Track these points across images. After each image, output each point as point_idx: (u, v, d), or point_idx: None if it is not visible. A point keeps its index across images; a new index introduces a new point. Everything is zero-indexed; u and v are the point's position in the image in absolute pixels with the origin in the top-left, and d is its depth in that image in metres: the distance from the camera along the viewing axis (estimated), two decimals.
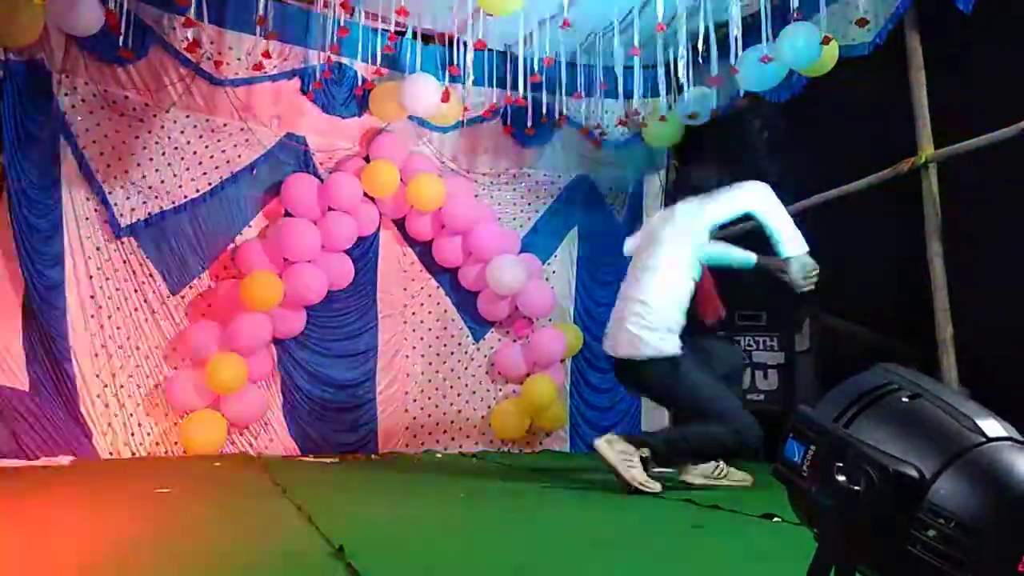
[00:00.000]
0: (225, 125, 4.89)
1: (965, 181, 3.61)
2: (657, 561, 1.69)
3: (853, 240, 4.34)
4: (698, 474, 3.20)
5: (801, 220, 4.70)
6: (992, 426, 0.89)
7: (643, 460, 2.97)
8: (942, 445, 0.87)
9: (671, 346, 3.04)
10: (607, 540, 1.95)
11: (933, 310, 3.60)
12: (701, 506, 2.45)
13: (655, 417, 5.74)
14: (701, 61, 4.26)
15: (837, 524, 0.90)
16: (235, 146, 4.91)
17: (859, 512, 0.87)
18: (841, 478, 0.88)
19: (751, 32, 4.22)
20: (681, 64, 4.52)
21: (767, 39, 4.07)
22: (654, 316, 3.06)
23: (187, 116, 4.80)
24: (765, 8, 4.11)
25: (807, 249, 3.07)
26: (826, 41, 3.93)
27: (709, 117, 4.94)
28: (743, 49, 4.13)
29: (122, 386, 4.46)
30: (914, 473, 0.85)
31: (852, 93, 4.14)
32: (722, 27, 4.32)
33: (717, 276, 3.48)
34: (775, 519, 2.09)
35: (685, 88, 4.74)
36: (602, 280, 5.73)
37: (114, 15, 4.15)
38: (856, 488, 0.87)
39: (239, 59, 4.86)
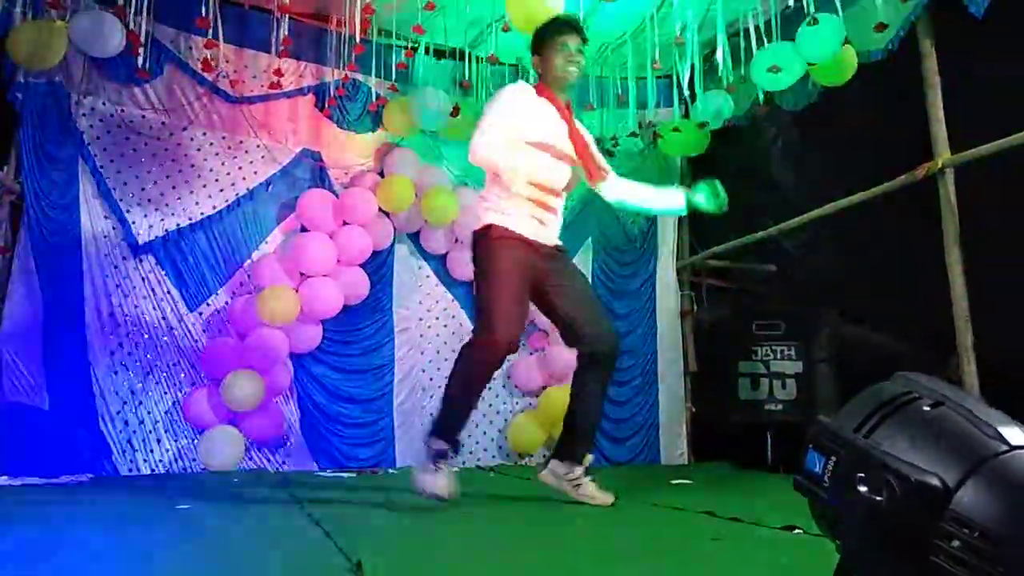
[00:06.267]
0: (241, 142, 4.95)
1: (983, 187, 3.58)
2: (677, 574, 1.67)
3: (871, 248, 4.32)
4: (549, 472, 3.03)
5: (818, 227, 4.73)
6: (1015, 434, 0.88)
7: (588, 470, 2.98)
8: (964, 454, 0.86)
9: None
10: (627, 552, 1.93)
11: (953, 317, 3.57)
12: (721, 518, 2.43)
13: (672, 429, 5.70)
14: (714, 70, 4.26)
15: (859, 535, 0.89)
16: (251, 163, 4.97)
17: (881, 522, 0.86)
18: (863, 488, 0.87)
19: (765, 39, 4.22)
20: (695, 73, 4.52)
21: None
22: None
23: (204, 134, 4.86)
24: (777, 16, 4.11)
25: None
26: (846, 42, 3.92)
27: (721, 125, 4.93)
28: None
29: (140, 403, 4.50)
30: (937, 482, 0.84)
31: (867, 100, 4.13)
32: (735, 36, 4.32)
33: None
34: (796, 531, 2.06)
35: (698, 97, 4.74)
36: (617, 291, 5.72)
37: (136, 36, 4.22)
38: (878, 498, 0.86)
39: (255, 77, 4.93)
